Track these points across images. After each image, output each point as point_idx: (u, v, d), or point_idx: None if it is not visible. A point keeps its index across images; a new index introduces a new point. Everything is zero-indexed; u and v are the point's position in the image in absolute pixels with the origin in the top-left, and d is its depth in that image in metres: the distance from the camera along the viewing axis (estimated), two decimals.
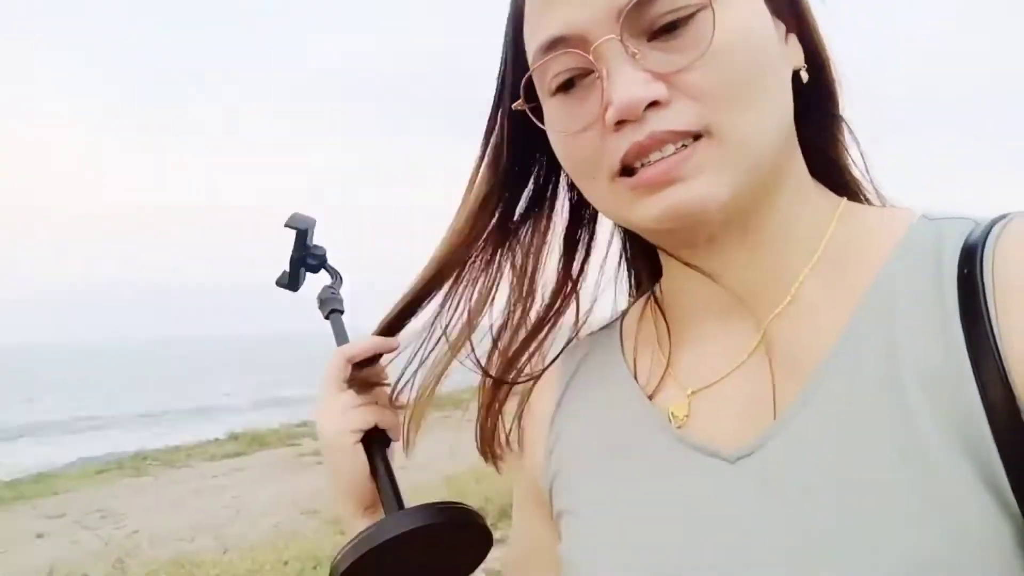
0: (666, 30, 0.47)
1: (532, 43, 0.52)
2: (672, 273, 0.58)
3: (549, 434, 0.62)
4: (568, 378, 0.63)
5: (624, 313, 0.65)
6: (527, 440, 0.65)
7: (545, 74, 0.51)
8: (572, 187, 0.63)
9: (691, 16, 0.46)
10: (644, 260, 0.65)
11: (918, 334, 0.45)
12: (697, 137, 0.47)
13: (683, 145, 0.47)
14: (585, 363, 0.63)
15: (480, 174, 0.61)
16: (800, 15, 0.54)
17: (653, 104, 0.46)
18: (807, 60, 0.54)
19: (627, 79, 0.46)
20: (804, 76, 0.53)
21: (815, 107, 0.55)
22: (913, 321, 0.46)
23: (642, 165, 0.48)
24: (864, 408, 0.46)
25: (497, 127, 0.59)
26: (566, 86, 0.50)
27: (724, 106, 0.46)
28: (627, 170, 0.49)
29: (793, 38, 0.53)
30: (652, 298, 0.62)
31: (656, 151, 0.47)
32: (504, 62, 0.57)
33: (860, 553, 0.43)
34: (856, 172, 0.58)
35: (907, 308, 0.46)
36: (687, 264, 0.54)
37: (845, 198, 0.55)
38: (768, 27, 0.49)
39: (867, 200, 0.58)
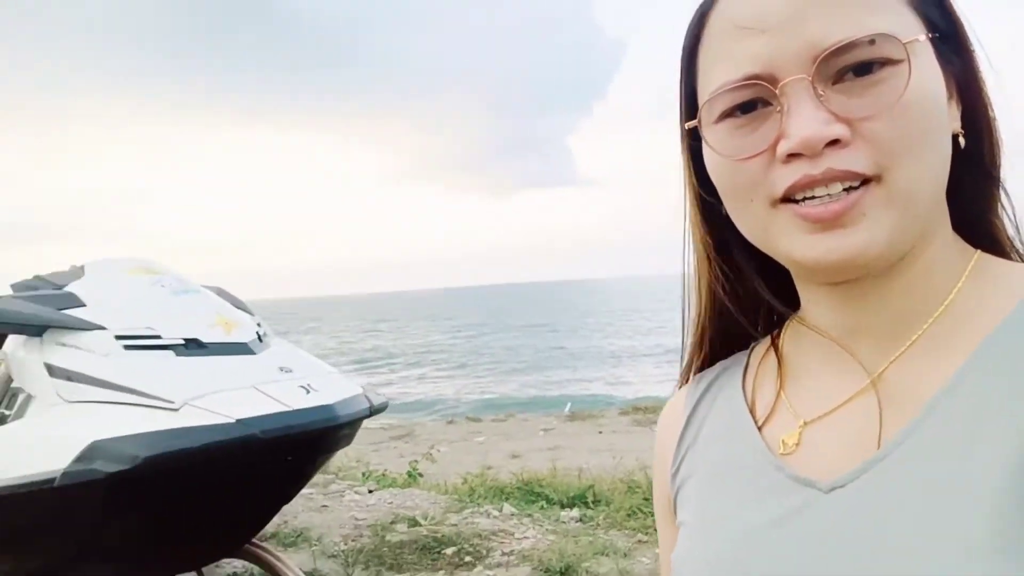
0: (854, 75, 0.48)
1: (719, 73, 0.53)
2: (805, 302, 0.60)
3: (678, 448, 0.66)
4: (697, 398, 0.67)
5: (757, 342, 0.68)
6: (659, 451, 0.69)
7: (719, 101, 0.52)
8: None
9: (882, 67, 0.48)
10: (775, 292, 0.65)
11: None
12: (865, 181, 0.48)
13: (850, 187, 0.48)
14: (712, 386, 0.67)
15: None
16: (969, 82, 0.55)
17: (832, 143, 0.47)
18: (968, 122, 0.56)
19: (809, 117, 0.48)
20: (962, 143, 0.54)
21: (972, 169, 0.56)
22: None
23: (804, 199, 0.49)
24: (960, 450, 0.46)
25: (682, 148, 0.62)
26: (732, 111, 0.52)
27: (899, 157, 0.48)
28: (786, 200, 0.50)
29: (954, 102, 0.54)
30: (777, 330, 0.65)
31: (823, 187, 0.48)
32: (680, 83, 0.59)
33: None
34: (1006, 227, 0.59)
35: (1021, 364, 0.47)
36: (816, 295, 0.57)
37: (979, 251, 0.56)
38: (943, 87, 0.51)
39: (1012, 255, 0.58)
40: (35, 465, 2.25)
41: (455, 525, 4.48)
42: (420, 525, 4.48)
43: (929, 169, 0.50)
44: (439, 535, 4.25)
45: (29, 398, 2.62)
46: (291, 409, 2.35)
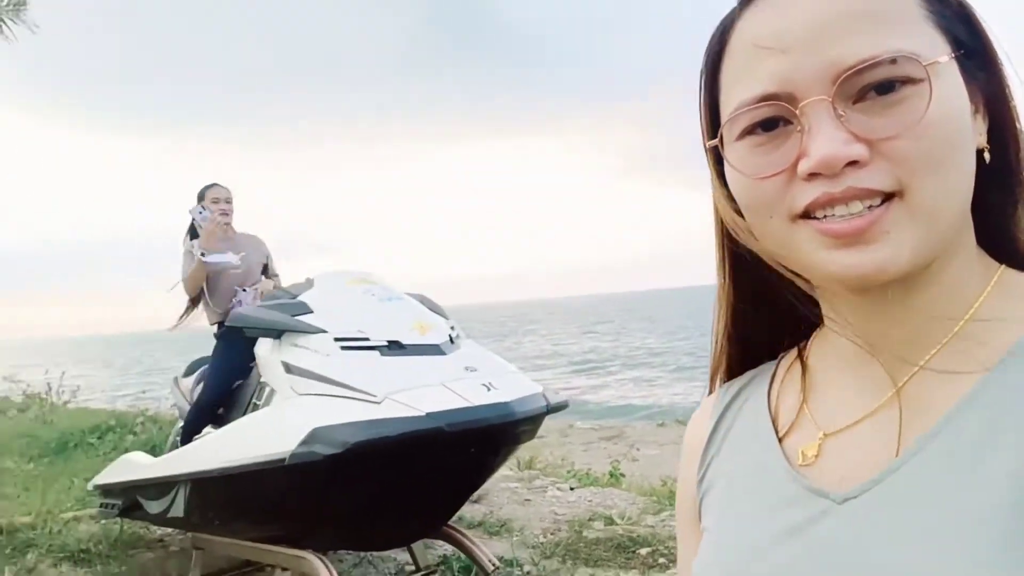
0: (876, 93, 0.48)
1: (738, 91, 0.53)
2: (826, 317, 0.60)
3: (704, 455, 0.67)
4: (725, 406, 0.68)
5: (785, 353, 0.68)
6: (686, 457, 0.70)
7: (740, 119, 0.53)
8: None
9: (903, 85, 0.48)
10: (793, 308, 0.65)
11: None
12: (887, 198, 0.48)
13: (871, 205, 0.48)
14: (740, 394, 0.68)
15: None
16: (996, 97, 0.55)
17: (852, 163, 0.48)
18: (995, 137, 0.55)
19: (830, 137, 0.48)
20: (987, 157, 0.54)
21: (997, 184, 0.55)
22: None
23: (825, 217, 0.49)
24: (973, 464, 0.46)
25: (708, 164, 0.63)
26: (753, 129, 0.53)
27: (921, 174, 0.48)
28: (806, 215, 0.51)
29: (979, 117, 0.54)
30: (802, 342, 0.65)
31: (843, 206, 0.48)
32: (701, 100, 0.60)
33: None
34: None
35: None
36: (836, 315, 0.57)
37: (1004, 264, 0.56)
38: (967, 104, 0.51)
39: None
40: (272, 447, 2.69)
41: (651, 526, 4.50)
42: (616, 524, 4.56)
43: (952, 186, 0.49)
44: (634, 535, 4.31)
45: (272, 391, 3.13)
46: (472, 405, 2.58)
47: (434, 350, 2.93)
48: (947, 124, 0.48)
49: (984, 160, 0.53)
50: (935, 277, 0.52)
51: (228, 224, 4.11)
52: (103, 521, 4.66)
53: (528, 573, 3.76)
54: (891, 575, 0.46)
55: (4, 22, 10.15)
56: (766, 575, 0.54)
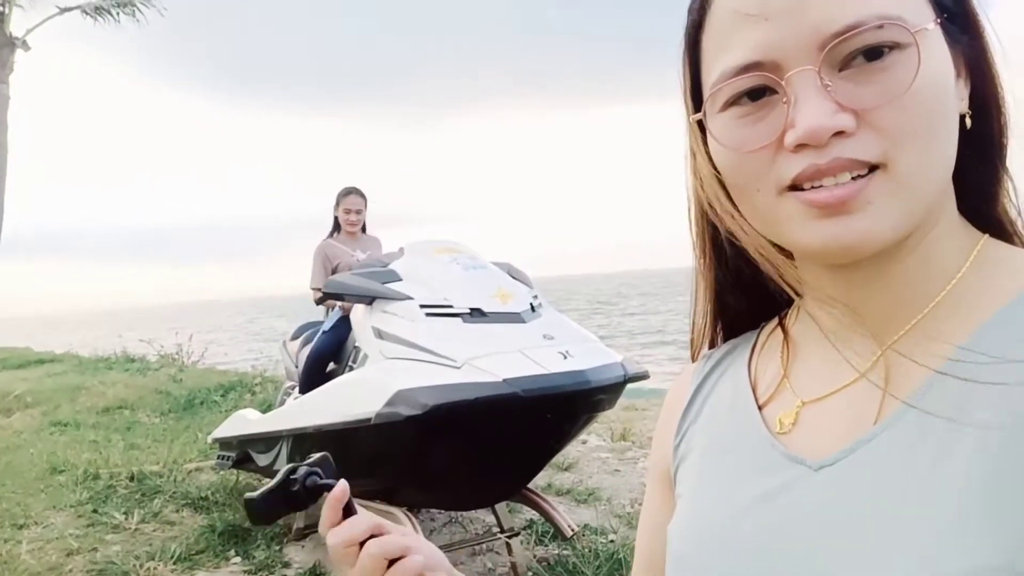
0: (864, 58, 0.47)
1: (720, 62, 0.52)
2: (808, 287, 0.60)
3: (681, 422, 0.67)
4: (703, 376, 0.68)
5: (767, 322, 0.68)
6: (663, 422, 0.71)
7: (723, 90, 0.52)
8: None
9: (890, 51, 0.47)
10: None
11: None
12: (872, 169, 0.48)
13: (858, 175, 0.48)
14: (720, 364, 0.68)
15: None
16: (978, 61, 0.54)
17: (838, 133, 0.47)
18: (977, 102, 0.54)
19: (817, 108, 0.47)
20: (968, 123, 0.53)
21: (978, 150, 0.55)
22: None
23: (812, 187, 0.49)
24: (946, 433, 0.47)
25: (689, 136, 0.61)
26: (737, 99, 0.52)
27: (907, 145, 0.47)
28: (794, 187, 0.50)
29: (962, 82, 0.53)
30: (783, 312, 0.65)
31: (831, 177, 0.48)
32: (683, 72, 0.59)
33: (906, 564, 0.44)
34: (1011, 212, 0.57)
35: (1021, 349, 0.47)
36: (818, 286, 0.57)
37: (987, 235, 0.55)
38: (952, 71, 0.50)
39: (1014, 240, 0.57)
40: (360, 407, 2.84)
41: None
42: None
43: (936, 156, 0.49)
44: None
45: (365, 355, 3.29)
46: (548, 372, 2.62)
47: (514, 318, 2.98)
48: (933, 93, 0.48)
49: (966, 126, 0.52)
50: (916, 247, 0.52)
51: (355, 232, 4.73)
52: (220, 472, 5.06)
53: (612, 541, 3.78)
54: (862, 540, 0.47)
55: (136, 6, 10.94)
56: (741, 539, 0.54)
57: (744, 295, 0.68)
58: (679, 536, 0.61)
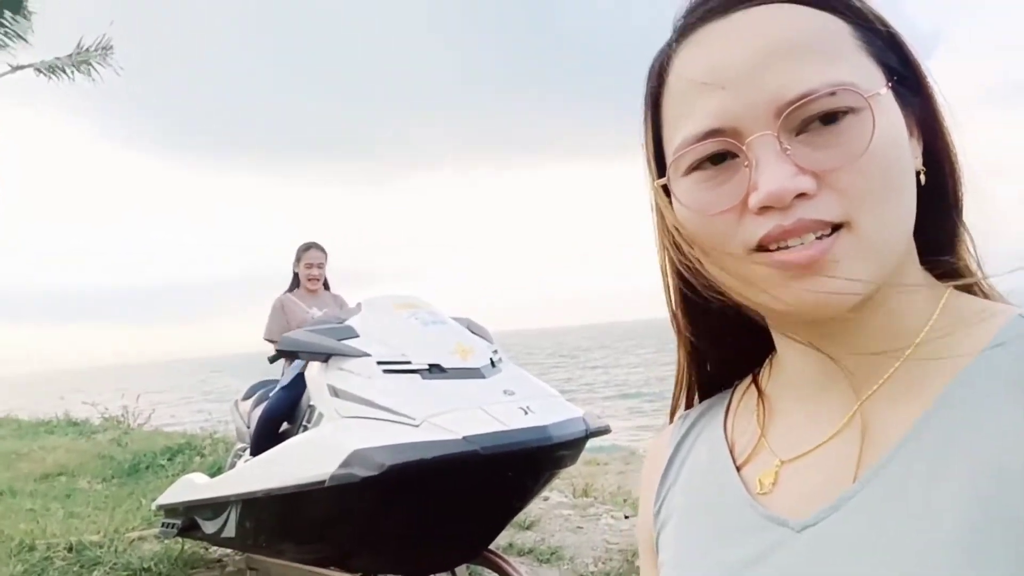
0: (820, 123, 0.49)
1: (682, 129, 0.53)
2: (780, 346, 0.61)
3: (660, 487, 0.67)
4: (680, 438, 0.68)
5: (739, 381, 0.68)
6: (644, 489, 0.70)
7: (686, 156, 0.53)
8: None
9: (845, 115, 0.48)
10: (750, 336, 0.65)
11: (1002, 426, 0.46)
12: (835, 228, 0.49)
13: (822, 235, 0.49)
14: (695, 426, 0.68)
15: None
16: (928, 120, 0.55)
17: (800, 195, 0.48)
18: (930, 158, 0.56)
19: (777, 171, 0.48)
20: (922, 179, 0.54)
21: (935, 205, 0.56)
22: (998, 415, 0.47)
23: (779, 248, 0.50)
24: (924, 490, 0.47)
25: (654, 200, 0.61)
26: (700, 164, 0.53)
27: (868, 204, 0.49)
28: (761, 248, 0.51)
29: (914, 141, 0.55)
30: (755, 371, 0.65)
31: (796, 238, 0.49)
32: (645, 136, 0.60)
33: None
34: (970, 263, 0.58)
35: (992, 402, 0.48)
36: (792, 339, 0.57)
37: (951, 287, 0.56)
38: (905, 131, 0.52)
39: (975, 290, 0.58)
40: (313, 469, 2.73)
41: None
42: None
43: (897, 213, 0.50)
44: None
45: (320, 415, 3.19)
46: (509, 429, 2.56)
47: (474, 373, 2.93)
48: (889, 154, 0.49)
49: (920, 182, 0.54)
50: (883, 304, 0.53)
51: (316, 289, 4.67)
52: (165, 541, 4.81)
53: None
54: None
55: (92, 66, 10.86)
56: None
57: (719, 349, 0.67)
58: None
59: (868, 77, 0.50)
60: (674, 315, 0.66)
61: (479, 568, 3.75)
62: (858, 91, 0.48)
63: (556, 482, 5.04)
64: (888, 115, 0.50)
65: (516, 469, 2.68)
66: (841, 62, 0.50)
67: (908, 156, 0.51)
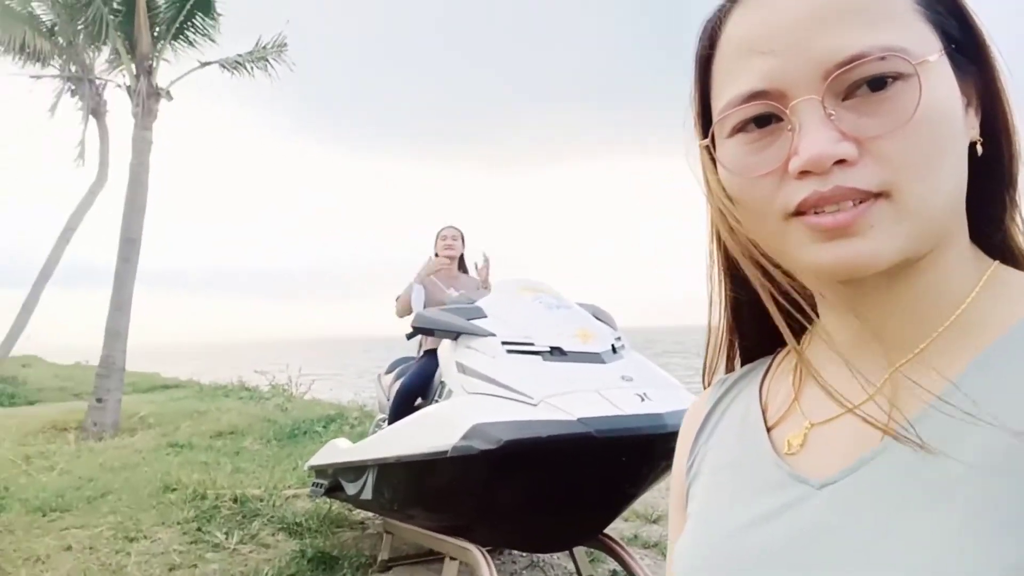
0: (868, 88, 0.48)
1: (728, 90, 0.54)
2: (821, 311, 0.60)
3: (694, 445, 0.69)
4: (717, 399, 0.70)
5: (781, 347, 0.69)
6: (679, 447, 0.73)
7: (731, 117, 0.53)
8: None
9: (894, 82, 0.48)
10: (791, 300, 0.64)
11: None
12: (876, 196, 0.49)
13: (860, 202, 0.49)
14: (734, 387, 0.69)
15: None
16: (988, 91, 0.54)
17: (840, 161, 0.48)
18: (987, 133, 0.54)
19: (820, 136, 0.48)
20: (979, 150, 0.53)
21: (990, 179, 0.55)
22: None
23: (815, 213, 0.50)
24: (949, 452, 0.47)
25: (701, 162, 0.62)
26: (744, 125, 0.53)
27: (910, 174, 0.48)
28: (799, 213, 0.51)
29: (972, 111, 0.53)
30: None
31: (833, 204, 0.49)
32: (691, 101, 0.61)
33: None
34: (1019, 239, 0.57)
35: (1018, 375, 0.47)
36: (830, 303, 0.57)
37: (998, 260, 0.56)
38: (959, 100, 0.51)
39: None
40: (438, 439, 2.88)
41: None
42: None
43: (940, 186, 0.49)
44: None
45: (449, 390, 3.35)
46: (623, 414, 2.58)
47: (594, 358, 2.96)
48: (936, 123, 0.48)
49: (977, 153, 0.53)
50: (925, 273, 0.52)
51: (451, 263, 4.72)
52: (315, 500, 5.23)
53: None
54: (861, 556, 0.47)
55: (268, 62, 11.85)
56: (744, 557, 0.55)
57: (760, 320, 0.67)
58: (686, 553, 0.61)
59: (921, 42, 0.49)
60: (719, 278, 0.67)
61: (600, 554, 3.78)
62: (907, 57, 0.47)
63: None
64: (939, 83, 0.48)
65: (630, 454, 2.69)
66: (893, 26, 0.48)
67: (959, 126, 0.50)
